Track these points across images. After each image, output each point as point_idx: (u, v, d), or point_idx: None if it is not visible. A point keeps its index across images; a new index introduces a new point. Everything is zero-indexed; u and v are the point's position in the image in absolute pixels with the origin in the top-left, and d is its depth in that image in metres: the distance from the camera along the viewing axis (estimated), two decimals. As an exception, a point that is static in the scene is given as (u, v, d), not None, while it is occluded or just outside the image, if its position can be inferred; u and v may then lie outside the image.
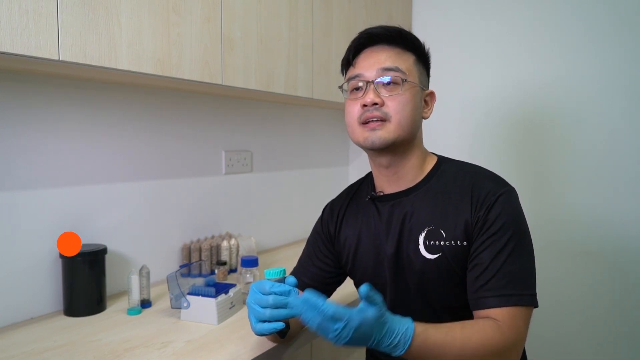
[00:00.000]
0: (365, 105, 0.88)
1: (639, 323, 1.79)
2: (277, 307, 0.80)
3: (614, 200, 1.82)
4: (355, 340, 0.71)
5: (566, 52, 1.88)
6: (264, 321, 0.81)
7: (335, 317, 0.69)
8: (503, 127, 2.04)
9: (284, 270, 0.86)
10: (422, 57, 0.95)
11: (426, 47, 0.95)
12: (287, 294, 0.79)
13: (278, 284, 0.81)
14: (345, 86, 0.95)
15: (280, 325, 0.81)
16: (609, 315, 1.84)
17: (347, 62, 0.96)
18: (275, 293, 0.80)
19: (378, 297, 0.72)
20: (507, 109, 2.03)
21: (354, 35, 0.95)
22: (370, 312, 0.71)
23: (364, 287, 0.70)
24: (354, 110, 0.91)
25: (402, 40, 0.92)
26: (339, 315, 0.70)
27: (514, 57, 1.99)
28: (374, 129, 0.88)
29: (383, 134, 0.88)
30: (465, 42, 2.11)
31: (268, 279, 0.84)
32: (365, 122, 0.89)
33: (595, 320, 1.87)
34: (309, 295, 0.71)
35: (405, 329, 0.75)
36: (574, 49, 1.86)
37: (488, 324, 0.81)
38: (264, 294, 0.81)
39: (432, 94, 0.98)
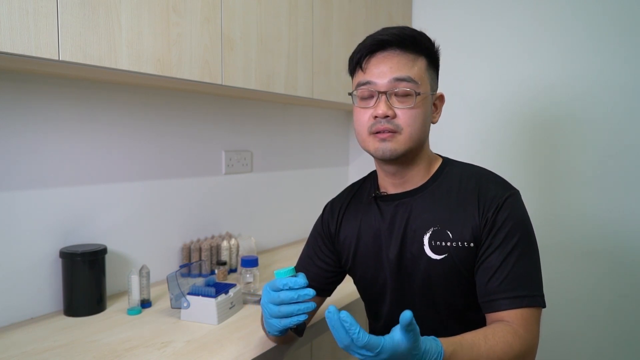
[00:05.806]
0: (376, 117, 0.87)
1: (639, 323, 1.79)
2: (290, 303, 0.80)
3: (617, 199, 1.82)
4: None
5: (567, 52, 1.88)
6: (280, 317, 0.81)
7: (367, 347, 0.66)
8: (503, 127, 2.04)
9: (293, 269, 0.84)
10: (433, 59, 0.93)
11: (436, 45, 0.93)
12: (301, 286, 0.80)
13: (289, 278, 0.81)
14: (354, 92, 0.92)
15: (302, 317, 0.80)
16: (610, 314, 1.84)
17: (357, 64, 0.92)
18: (287, 289, 0.80)
19: (416, 328, 0.68)
20: (507, 109, 2.03)
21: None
22: (404, 345, 0.67)
23: (407, 316, 0.65)
24: (364, 119, 0.90)
25: (416, 45, 0.89)
26: (371, 347, 0.66)
27: (514, 57, 1.99)
28: (384, 140, 0.88)
29: (393, 145, 0.87)
30: (466, 42, 2.10)
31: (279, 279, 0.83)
32: (375, 132, 0.88)
33: (597, 319, 1.87)
34: (347, 316, 0.67)
35: (436, 355, 0.72)
36: (574, 49, 1.86)
37: (507, 331, 0.81)
38: (275, 291, 0.81)
39: (441, 97, 0.96)
